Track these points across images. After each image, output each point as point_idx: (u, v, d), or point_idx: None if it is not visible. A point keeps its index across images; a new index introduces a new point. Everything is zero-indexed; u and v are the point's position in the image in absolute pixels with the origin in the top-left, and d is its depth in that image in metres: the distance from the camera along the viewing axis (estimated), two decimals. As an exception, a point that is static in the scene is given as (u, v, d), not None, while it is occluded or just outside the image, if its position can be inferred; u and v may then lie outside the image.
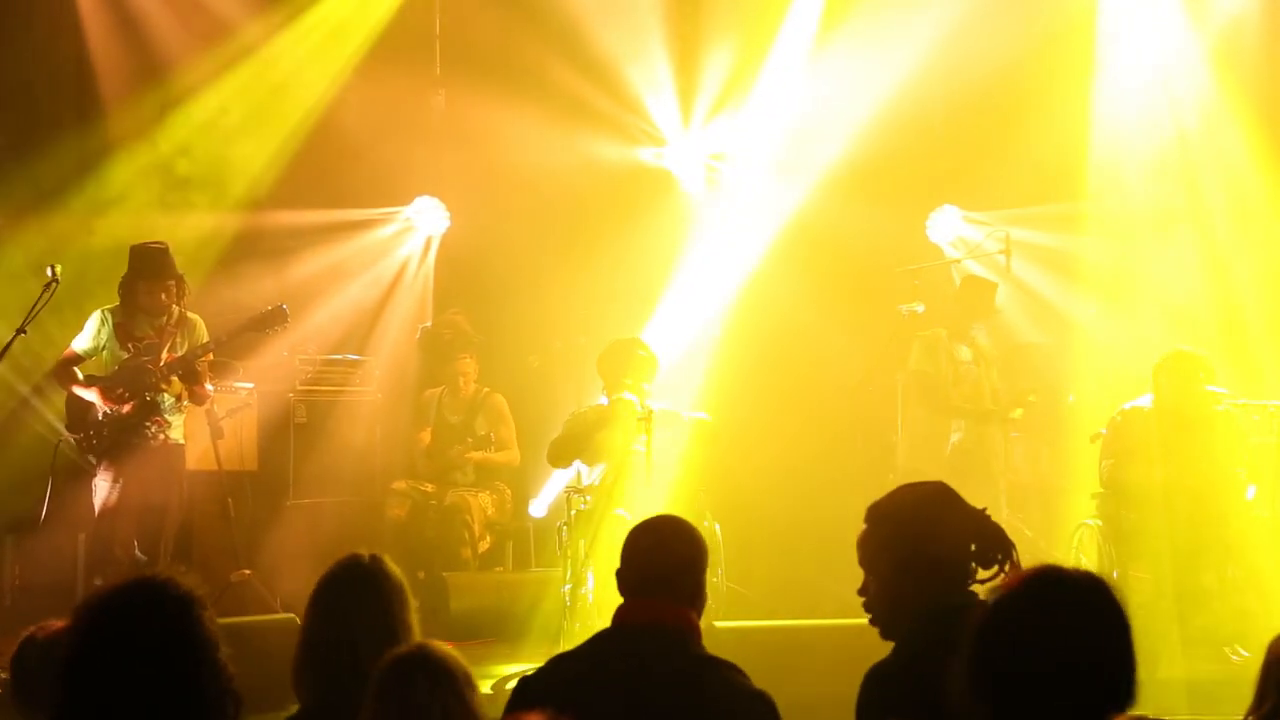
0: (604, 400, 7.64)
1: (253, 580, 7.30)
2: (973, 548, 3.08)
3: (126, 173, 8.99)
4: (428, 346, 8.94)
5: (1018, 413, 8.24)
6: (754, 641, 6.13)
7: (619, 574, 3.36)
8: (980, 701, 2.35)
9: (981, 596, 3.02)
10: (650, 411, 7.07)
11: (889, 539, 3.09)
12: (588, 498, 7.45)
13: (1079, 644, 2.31)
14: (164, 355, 7.09)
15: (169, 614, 2.46)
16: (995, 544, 3.08)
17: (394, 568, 3.40)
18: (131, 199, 8.88)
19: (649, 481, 7.01)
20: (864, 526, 3.16)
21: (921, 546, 3.05)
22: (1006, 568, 3.05)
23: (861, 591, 3.16)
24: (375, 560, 3.39)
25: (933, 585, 3.03)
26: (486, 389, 8.33)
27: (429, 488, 8.11)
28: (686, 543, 3.36)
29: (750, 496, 9.28)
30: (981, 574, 3.08)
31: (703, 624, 3.33)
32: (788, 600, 8.73)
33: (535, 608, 7.42)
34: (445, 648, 2.90)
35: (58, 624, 3.33)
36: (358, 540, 7.90)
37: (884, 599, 3.10)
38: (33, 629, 3.46)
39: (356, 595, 3.30)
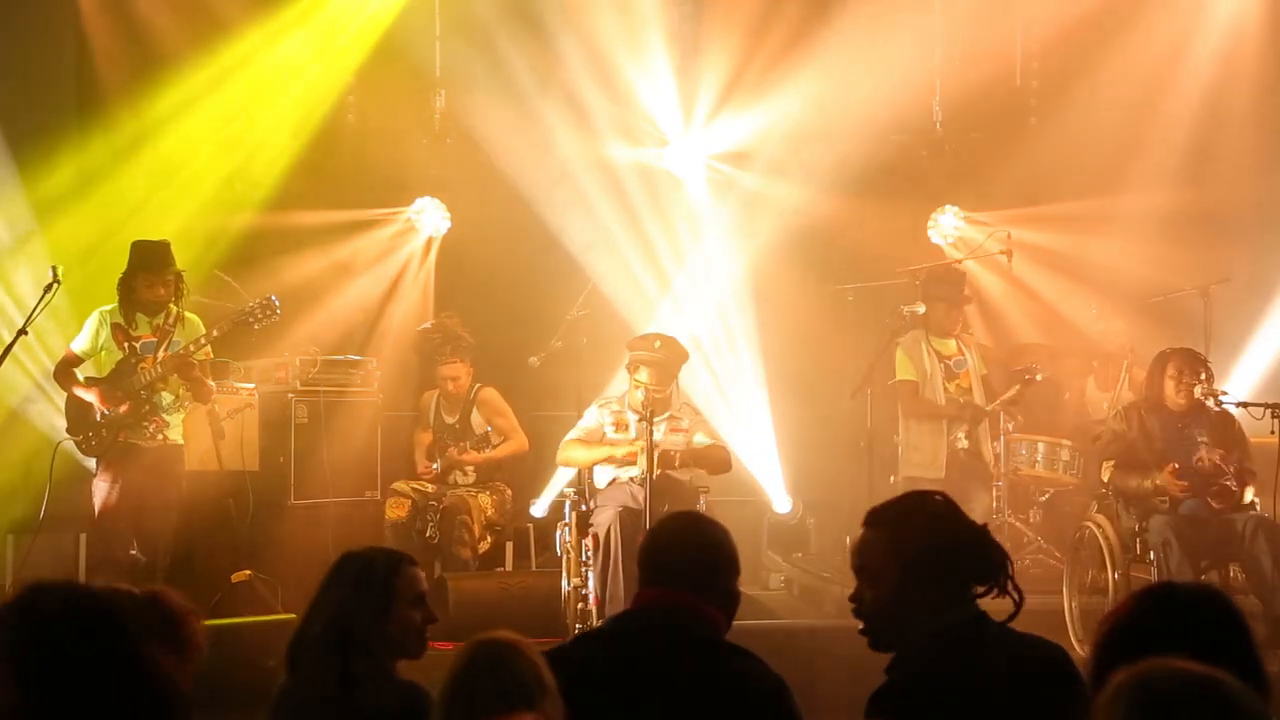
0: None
1: (253, 580, 7.28)
2: (973, 563, 2.97)
3: (127, 173, 8.99)
4: (420, 349, 8.94)
5: (1013, 390, 8.19)
6: (757, 643, 6.11)
7: (639, 564, 3.34)
8: None
9: (990, 615, 2.97)
10: (650, 412, 7.05)
11: (894, 546, 2.95)
12: (590, 498, 7.43)
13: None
14: (161, 353, 7.09)
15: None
16: (996, 561, 2.97)
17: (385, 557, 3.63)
18: (131, 199, 8.87)
19: (651, 480, 6.97)
20: (863, 531, 3.02)
21: (927, 557, 2.92)
22: (1007, 586, 2.95)
23: (854, 598, 3.02)
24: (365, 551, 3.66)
25: (937, 598, 2.92)
26: (477, 385, 8.32)
27: (429, 488, 8.11)
28: (706, 536, 3.34)
29: (753, 499, 9.28)
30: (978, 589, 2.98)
31: None
32: (789, 602, 8.74)
33: (536, 609, 7.40)
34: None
35: None
36: (358, 540, 7.96)
37: (885, 609, 2.96)
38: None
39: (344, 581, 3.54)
